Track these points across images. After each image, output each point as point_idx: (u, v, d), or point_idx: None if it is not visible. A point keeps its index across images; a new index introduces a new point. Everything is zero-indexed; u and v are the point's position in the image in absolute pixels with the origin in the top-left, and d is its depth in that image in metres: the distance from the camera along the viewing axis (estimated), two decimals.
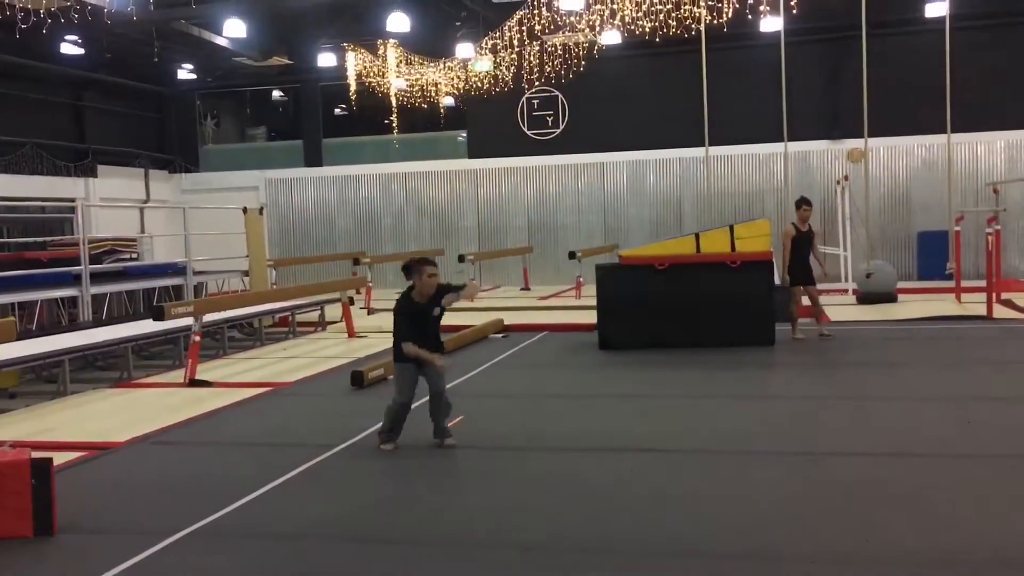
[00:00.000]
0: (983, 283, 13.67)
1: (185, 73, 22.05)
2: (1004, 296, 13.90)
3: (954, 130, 16.12)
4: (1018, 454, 5.88)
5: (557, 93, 20.71)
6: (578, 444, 6.56)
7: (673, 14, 13.21)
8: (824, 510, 4.90)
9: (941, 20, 15.18)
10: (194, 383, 9.46)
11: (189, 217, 15.25)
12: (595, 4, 13.53)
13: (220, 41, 18.49)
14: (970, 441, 6.29)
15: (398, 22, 16.05)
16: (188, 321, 10.08)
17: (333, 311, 14.29)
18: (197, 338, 9.90)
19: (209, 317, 10.91)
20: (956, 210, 15.21)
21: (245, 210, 15.14)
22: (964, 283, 14.68)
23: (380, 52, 17.90)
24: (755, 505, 5.01)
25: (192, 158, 23.48)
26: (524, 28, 14.93)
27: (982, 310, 12.82)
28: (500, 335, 12.75)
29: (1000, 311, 12.97)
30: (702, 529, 4.68)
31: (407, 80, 18.67)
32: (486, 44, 16.28)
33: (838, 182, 17.97)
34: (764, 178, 19.75)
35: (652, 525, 4.79)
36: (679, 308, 10.81)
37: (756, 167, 19.86)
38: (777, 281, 11.35)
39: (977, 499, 5.00)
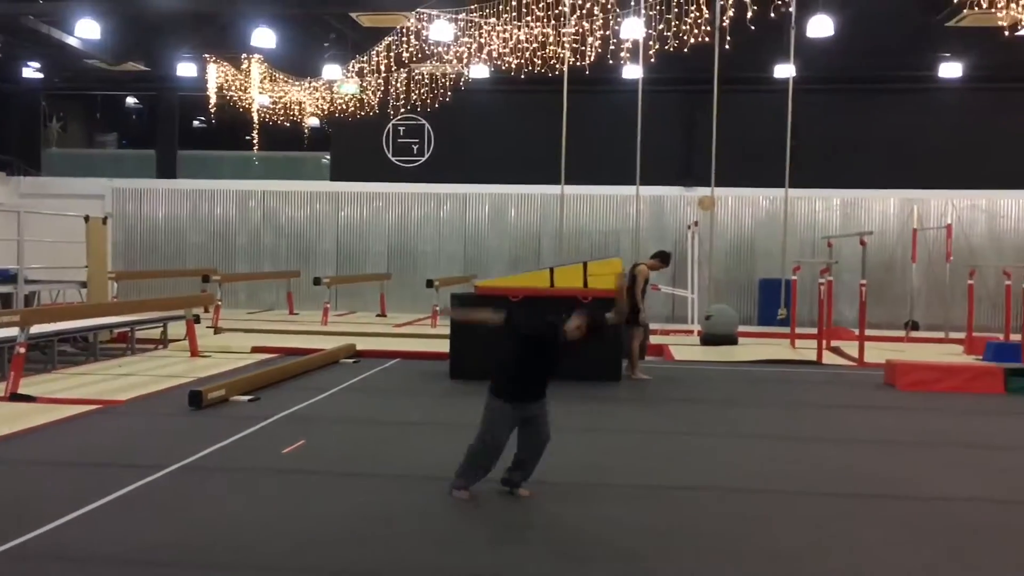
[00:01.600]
0: (815, 330, 14.47)
1: (31, 71, 20.91)
2: (833, 343, 14.75)
3: (795, 186, 17.14)
4: (845, 492, 6.22)
5: (423, 122, 20.78)
6: (415, 472, 6.51)
7: (538, 53, 13.53)
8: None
9: (787, 82, 16.13)
10: (16, 397, 8.88)
11: (25, 222, 14.38)
12: (463, 37, 13.69)
13: (71, 41, 17.65)
14: (775, 478, 6.61)
15: (263, 37, 15.78)
16: (13, 331, 9.47)
17: (178, 329, 13.75)
18: (22, 350, 9.31)
19: (37, 328, 10.28)
20: (793, 260, 16.08)
21: (87, 218, 14.41)
22: (798, 330, 15.52)
23: (244, 66, 17.52)
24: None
25: (34, 161, 22.23)
26: (392, 54, 14.94)
27: (813, 356, 13.58)
28: (351, 360, 12.58)
29: (829, 357, 13.78)
30: (540, 562, 4.72)
31: (271, 97, 18.32)
32: (353, 67, 16.19)
33: (689, 227, 18.74)
34: (620, 219, 20.35)
35: (467, 553, 4.79)
36: None
37: (613, 208, 20.46)
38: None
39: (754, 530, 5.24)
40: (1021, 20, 11.19)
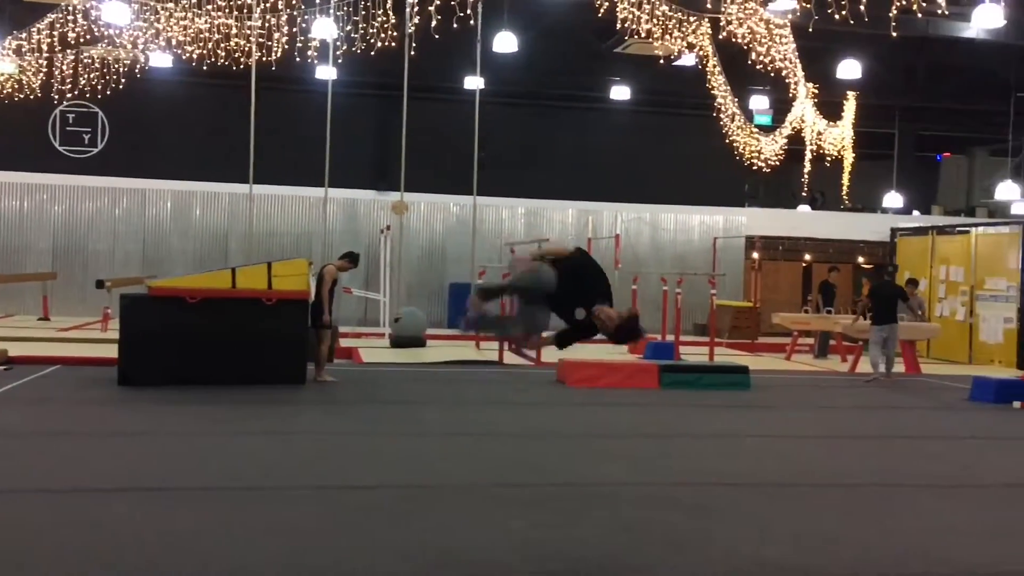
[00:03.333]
0: None
1: None
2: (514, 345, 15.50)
3: (484, 194, 17.83)
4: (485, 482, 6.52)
5: (97, 110, 19.20)
6: (62, 486, 5.98)
7: (222, 45, 12.99)
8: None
9: (475, 93, 16.74)
10: None
11: None
12: (137, 20, 12.81)
13: None
14: (453, 473, 6.84)
15: None
16: None
17: None
18: None
19: None
20: (480, 265, 16.73)
21: None
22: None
23: None
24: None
25: None
26: (56, 34, 13.64)
27: (495, 356, 14.20)
28: (2, 367, 11.31)
29: (510, 358, 14.45)
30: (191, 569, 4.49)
31: None
32: (10, 44, 14.59)
33: (381, 231, 18.87)
34: (312, 221, 20.05)
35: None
36: (212, 344, 10.44)
37: (305, 210, 20.12)
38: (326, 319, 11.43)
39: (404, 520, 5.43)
40: (674, 52, 12.46)
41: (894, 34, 10.69)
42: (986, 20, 12.89)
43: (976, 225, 19.85)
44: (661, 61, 13.01)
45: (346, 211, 20.18)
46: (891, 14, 9.99)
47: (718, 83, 15.15)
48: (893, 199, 21.07)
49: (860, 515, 5.99)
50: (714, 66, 14.57)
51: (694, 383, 12.01)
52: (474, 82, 16.41)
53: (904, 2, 9.75)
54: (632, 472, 7.01)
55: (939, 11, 10.72)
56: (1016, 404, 11.35)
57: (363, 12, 11.40)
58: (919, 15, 11.12)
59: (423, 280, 20.50)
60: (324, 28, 13.14)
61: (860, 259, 21.83)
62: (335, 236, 19.15)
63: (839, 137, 17.83)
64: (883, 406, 11.31)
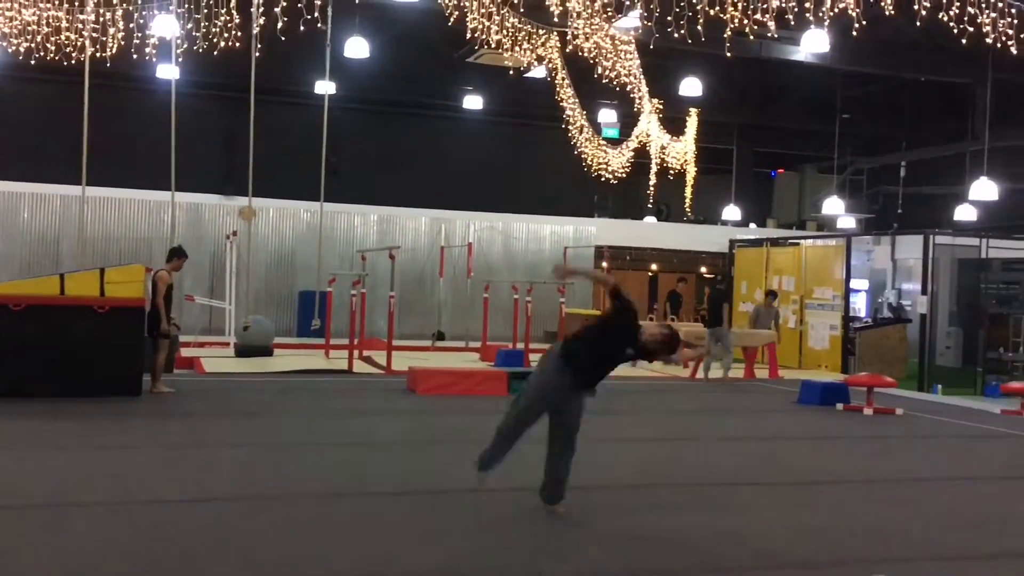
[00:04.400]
0: (348, 341, 14.93)
1: None
2: (366, 353, 15.35)
3: (336, 200, 17.59)
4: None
5: None
6: None
7: (52, 38, 12.29)
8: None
9: (325, 98, 16.49)
10: None
11: None
12: None
13: None
14: (290, 484, 6.71)
15: None
16: None
17: None
18: None
19: None
20: (329, 272, 16.47)
21: None
22: (334, 340, 15.91)
23: None
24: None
25: None
26: None
27: (345, 365, 14.00)
28: None
29: (360, 366, 14.31)
30: None
31: None
32: None
33: (228, 237, 18.28)
34: (153, 225, 19.24)
35: None
36: (38, 354, 9.85)
37: (145, 214, 19.28)
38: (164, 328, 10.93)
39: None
40: (524, 63, 12.68)
41: (728, 54, 11.23)
42: (813, 45, 13.75)
43: (806, 238, 21.09)
44: (511, 72, 13.21)
45: (190, 216, 19.47)
46: (725, 35, 10.51)
47: (567, 96, 15.51)
48: (732, 212, 22.09)
49: (690, 511, 6.25)
50: (563, 79, 14.91)
51: None
52: (324, 87, 16.16)
53: (737, 24, 10.27)
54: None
55: (769, 34, 11.34)
56: (839, 406, 12.11)
57: (204, 10, 11.03)
58: (751, 37, 11.73)
59: (271, 288, 20.00)
60: (164, 25, 12.64)
61: (703, 269, 22.78)
62: (178, 241, 18.38)
63: (682, 151, 18.58)
64: (719, 409, 11.82)
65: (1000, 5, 10.09)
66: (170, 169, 15.16)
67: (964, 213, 17.73)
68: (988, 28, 10.17)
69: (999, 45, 10.10)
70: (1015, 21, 10.30)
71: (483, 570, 4.87)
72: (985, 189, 15.50)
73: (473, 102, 20.01)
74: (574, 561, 5.06)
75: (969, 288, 17.83)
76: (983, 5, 10.04)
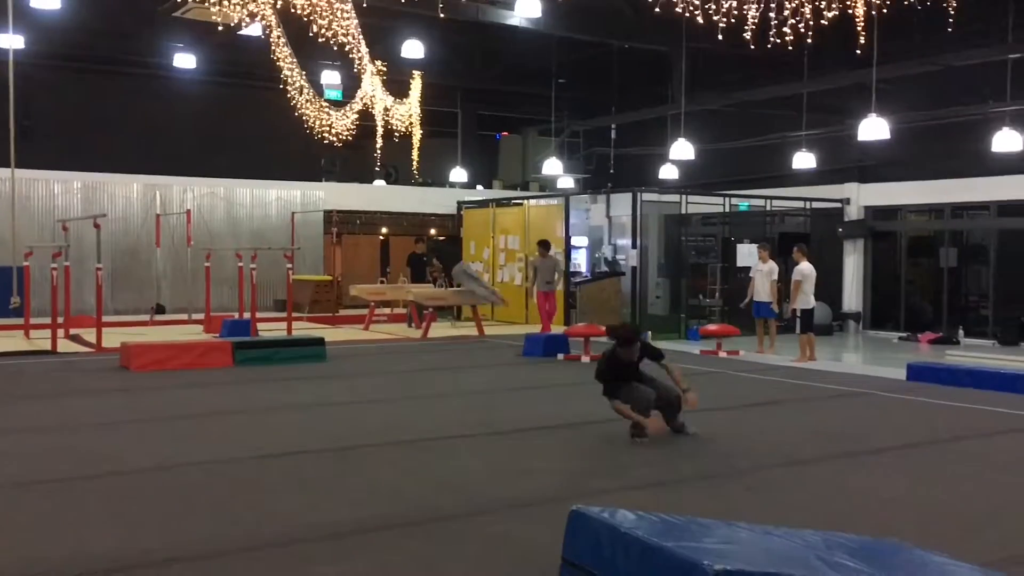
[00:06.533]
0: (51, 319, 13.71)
1: None
2: (73, 331, 14.17)
3: (30, 166, 15.94)
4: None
5: None
6: None
7: None
8: None
9: (9, 53, 14.84)
10: None
11: None
12: None
13: None
14: None
15: None
16: None
17: None
18: None
19: None
20: (25, 245, 14.98)
21: None
22: (37, 319, 14.54)
23: None
24: None
25: None
26: None
27: (48, 344, 12.85)
28: None
29: (67, 345, 13.19)
30: None
31: None
32: None
33: None
34: None
35: None
36: None
37: None
38: None
39: None
40: (234, 20, 12.07)
41: (442, 15, 11.32)
42: (526, 10, 14.20)
43: (529, 198, 21.95)
44: (221, 29, 12.54)
45: None
46: None
47: (284, 55, 14.99)
48: (459, 174, 22.46)
49: (416, 466, 6.36)
50: (279, 37, 14.38)
51: (270, 358, 11.90)
52: (9, 40, 14.52)
53: None
54: (188, 452, 6.75)
55: None
56: (560, 356, 12.80)
57: None
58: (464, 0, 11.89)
59: None
60: None
61: (433, 231, 23.06)
62: None
63: (407, 114, 18.59)
64: (448, 367, 12.09)
65: None
66: None
67: (667, 172, 19.17)
68: None
69: (687, 15, 10.92)
70: None
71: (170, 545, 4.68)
72: (683, 150, 16.81)
73: (185, 61, 18.81)
74: (297, 521, 4.98)
75: (674, 241, 19.40)
76: None
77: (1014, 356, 13.45)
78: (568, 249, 18.74)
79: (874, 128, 13.49)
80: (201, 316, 16.43)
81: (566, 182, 22.43)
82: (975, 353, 14.03)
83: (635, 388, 7.27)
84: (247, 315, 15.33)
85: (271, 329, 15.25)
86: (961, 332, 16.84)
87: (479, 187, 24.47)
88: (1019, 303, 16.98)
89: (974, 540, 4.84)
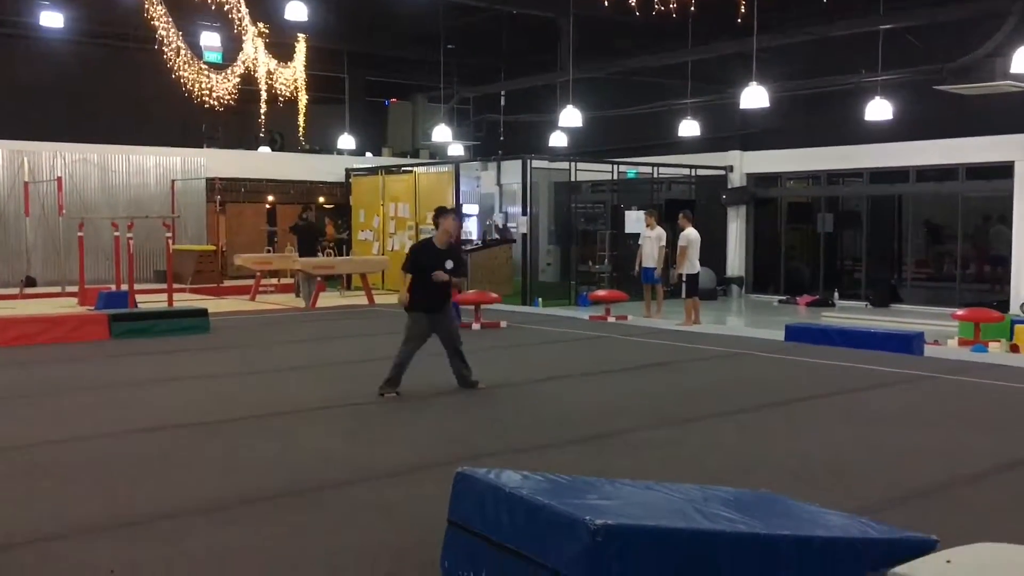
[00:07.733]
0: None
1: None
2: None
3: None
4: None
5: None
6: None
7: None
8: None
9: None
10: None
11: None
12: None
13: None
14: None
15: None
16: None
17: None
18: None
19: None
20: None
21: None
22: None
23: None
24: None
25: None
26: None
27: None
28: None
29: None
30: None
31: None
32: None
33: None
34: None
35: None
36: None
37: None
38: None
39: None
40: None
41: None
42: None
43: (418, 165, 21.71)
44: None
45: None
46: None
47: (159, 15, 14.33)
48: (347, 141, 22.01)
49: (298, 438, 6.23)
50: None
51: (149, 330, 11.46)
52: None
53: None
54: (56, 429, 6.44)
55: None
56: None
57: None
58: None
59: None
60: None
61: (321, 199, 22.59)
62: None
63: (291, 79, 18.08)
64: (335, 336, 11.89)
65: None
66: None
67: (557, 139, 19.24)
68: None
69: None
70: None
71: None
72: (572, 117, 16.86)
73: (52, 19, 17.78)
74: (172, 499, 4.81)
75: (564, 209, 19.55)
76: None
77: (884, 316, 14.12)
78: (460, 216, 18.64)
79: (755, 96, 13.83)
80: (75, 289, 15.69)
81: (456, 149, 22.27)
82: (849, 314, 14.66)
83: (419, 319, 7.65)
84: (125, 287, 14.72)
85: (151, 301, 14.69)
86: (836, 294, 17.57)
87: (368, 154, 24.07)
88: (890, 266, 17.82)
89: (843, 489, 5.04)
